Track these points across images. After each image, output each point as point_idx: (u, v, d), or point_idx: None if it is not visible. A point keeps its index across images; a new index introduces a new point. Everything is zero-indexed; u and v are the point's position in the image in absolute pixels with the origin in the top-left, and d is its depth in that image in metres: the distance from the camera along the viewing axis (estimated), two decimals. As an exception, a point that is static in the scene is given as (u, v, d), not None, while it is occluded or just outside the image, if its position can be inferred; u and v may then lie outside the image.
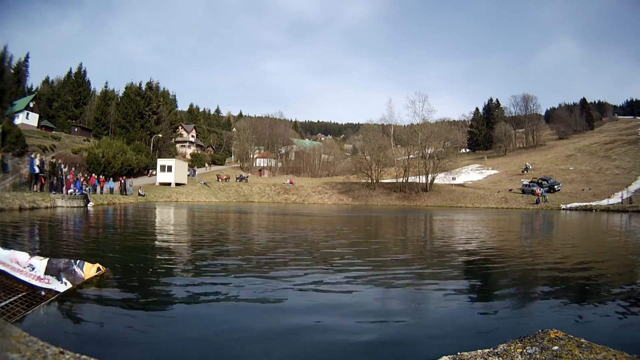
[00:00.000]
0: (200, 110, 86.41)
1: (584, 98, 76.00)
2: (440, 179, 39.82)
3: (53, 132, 48.10)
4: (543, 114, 73.86)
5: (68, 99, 55.37)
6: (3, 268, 2.86)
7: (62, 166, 17.02)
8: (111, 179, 27.44)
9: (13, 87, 44.85)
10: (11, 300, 2.40)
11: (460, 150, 60.83)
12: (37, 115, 49.38)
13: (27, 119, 46.98)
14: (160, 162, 35.63)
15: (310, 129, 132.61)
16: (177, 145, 68.14)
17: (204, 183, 38.14)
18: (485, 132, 70.02)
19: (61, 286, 2.71)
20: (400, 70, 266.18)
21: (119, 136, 46.47)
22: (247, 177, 45.09)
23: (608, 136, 56.04)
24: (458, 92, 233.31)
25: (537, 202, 30.39)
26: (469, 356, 1.41)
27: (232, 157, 74.12)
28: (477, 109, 75.77)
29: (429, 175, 38.68)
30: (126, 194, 23.92)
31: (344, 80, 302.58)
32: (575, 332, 1.50)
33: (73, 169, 19.18)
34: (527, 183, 35.67)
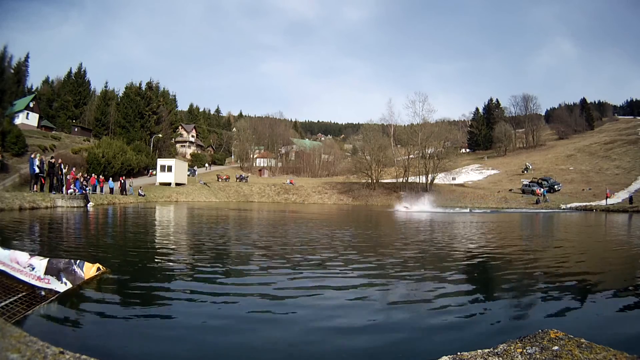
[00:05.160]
0: (200, 110, 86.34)
1: (584, 98, 76.00)
2: (440, 179, 39.80)
3: (53, 132, 48.10)
4: (543, 114, 73.84)
5: (68, 99, 55.36)
6: (3, 268, 2.86)
7: (62, 166, 16.99)
8: (111, 179, 27.42)
9: (13, 87, 44.77)
10: (11, 300, 2.40)
11: (460, 150, 60.79)
12: (37, 115, 49.39)
13: (27, 119, 47.00)
14: (160, 162, 35.59)
15: (310, 129, 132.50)
16: (177, 145, 68.12)
17: (204, 183, 38.12)
18: (485, 132, 69.99)
19: (61, 286, 2.71)
20: (400, 71, 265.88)
21: (119, 136, 46.48)
22: (247, 177, 45.07)
23: (608, 136, 56.03)
24: (458, 93, 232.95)
25: (537, 202, 30.39)
26: (469, 356, 1.41)
27: (232, 157, 74.06)
28: (477, 109, 75.79)
29: (429, 175, 38.65)
30: (126, 194, 23.90)
31: (344, 81, 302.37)
32: (575, 332, 1.49)
33: (74, 169, 19.15)
34: (527, 183, 35.68)
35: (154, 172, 37.56)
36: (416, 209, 22.44)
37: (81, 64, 61.75)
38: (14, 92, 44.66)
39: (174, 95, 69.86)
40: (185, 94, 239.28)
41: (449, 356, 1.42)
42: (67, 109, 55.08)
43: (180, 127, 70.97)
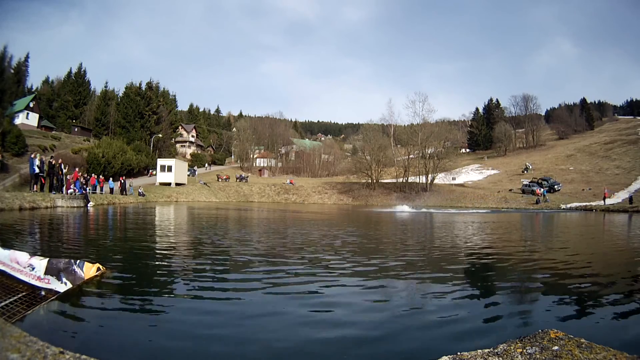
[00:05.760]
0: (200, 110, 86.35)
1: (584, 98, 75.94)
2: (440, 179, 39.80)
3: (53, 132, 48.11)
4: (543, 114, 73.82)
5: (68, 99, 55.36)
6: (3, 268, 2.86)
7: (62, 166, 16.99)
8: (111, 179, 27.42)
9: (13, 87, 44.79)
10: (11, 300, 2.40)
11: (460, 150, 60.80)
12: (37, 115, 49.39)
13: (27, 119, 47.00)
14: (160, 162, 35.60)
15: (310, 129, 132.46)
16: (177, 145, 68.12)
17: (204, 183, 38.13)
18: (485, 132, 69.98)
19: (61, 286, 2.71)
20: (400, 71, 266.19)
21: (119, 136, 46.48)
22: (247, 177, 45.07)
23: (608, 136, 56.02)
24: (458, 93, 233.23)
25: (537, 202, 30.39)
26: (469, 356, 1.41)
27: (232, 157, 74.07)
28: (477, 109, 75.77)
29: (429, 175, 38.65)
30: (126, 194, 23.90)
31: (344, 81, 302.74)
32: (575, 332, 1.49)
33: (77, 169, 19.17)
34: (527, 183, 35.67)
35: (154, 172, 37.57)
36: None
37: (81, 64, 61.76)
38: (14, 92, 44.66)
39: (174, 95, 69.95)
40: (185, 94, 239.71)
41: (449, 356, 1.42)
42: (67, 109, 55.09)
43: (180, 127, 70.97)
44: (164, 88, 63.85)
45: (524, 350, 1.37)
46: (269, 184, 42.02)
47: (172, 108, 64.91)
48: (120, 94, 53.65)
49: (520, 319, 2.40)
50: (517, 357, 1.34)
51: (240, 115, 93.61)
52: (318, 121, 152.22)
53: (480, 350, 1.45)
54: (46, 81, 65.01)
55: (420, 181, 39.43)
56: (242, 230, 8.11)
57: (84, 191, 17.65)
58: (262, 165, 66.70)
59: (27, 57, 54.23)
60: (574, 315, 2.44)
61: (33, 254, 2.98)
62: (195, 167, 51.07)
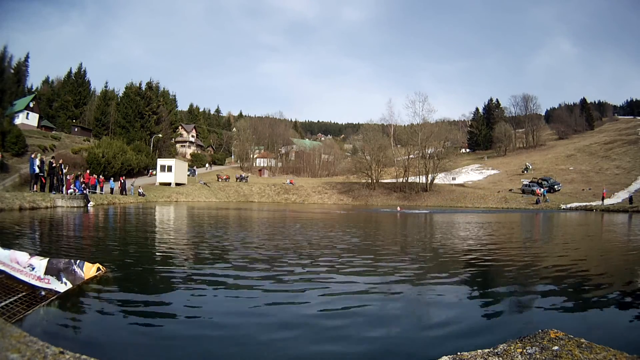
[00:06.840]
0: (200, 110, 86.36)
1: (584, 98, 75.98)
2: (440, 179, 39.80)
3: (53, 132, 48.10)
4: (543, 114, 73.85)
5: (68, 99, 55.36)
6: (3, 268, 2.86)
7: (62, 166, 17.00)
8: (111, 179, 27.42)
9: (13, 87, 44.84)
10: (11, 300, 2.40)
11: (460, 150, 60.83)
12: (37, 115, 49.39)
13: (27, 119, 46.99)
14: (160, 162, 35.62)
15: (310, 129, 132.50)
16: (177, 145, 68.12)
17: (204, 183, 38.13)
18: (485, 132, 70.00)
19: (61, 286, 2.71)
20: (400, 71, 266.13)
21: (119, 136, 46.47)
22: (247, 177, 45.08)
23: (608, 136, 56.02)
24: (458, 93, 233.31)
25: (537, 202, 30.39)
26: (469, 356, 1.41)
27: (232, 157, 74.06)
28: (477, 109, 75.83)
29: (429, 175, 38.65)
30: (126, 194, 23.90)
31: (344, 81, 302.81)
32: (575, 332, 1.49)
33: (88, 170, 19.24)
34: (527, 183, 35.67)
35: (154, 172, 37.59)
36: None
37: (81, 64, 61.88)
38: (14, 92, 44.71)
39: (174, 95, 69.98)
40: (185, 94, 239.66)
41: (449, 356, 1.42)
42: (67, 109, 55.08)
43: (180, 127, 70.99)
44: (164, 88, 63.99)
45: (524, 350, 1.37)
46: (269, 184, 42.04)
47: (172, 108, 64.95)
48: (120, 94, 53.66)
49: (520, 319, 2.40)
50: (517, 357, 1.34)
51: (240, 115, 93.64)
52: (318, 121, 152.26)
53: (480, 350, 1.45)
54: (46, 81, 65.09)
55: (420, 181, 39.43)
56: (243, 231, 8.11)
57: (84, 191, 17.66)
58: (262, 165, 66.71)
59: (27, 57, 54.34)
60: (574, 315, 2.44)
61: (33, 254, 2.98)
62: (195, 167, 51.08)
